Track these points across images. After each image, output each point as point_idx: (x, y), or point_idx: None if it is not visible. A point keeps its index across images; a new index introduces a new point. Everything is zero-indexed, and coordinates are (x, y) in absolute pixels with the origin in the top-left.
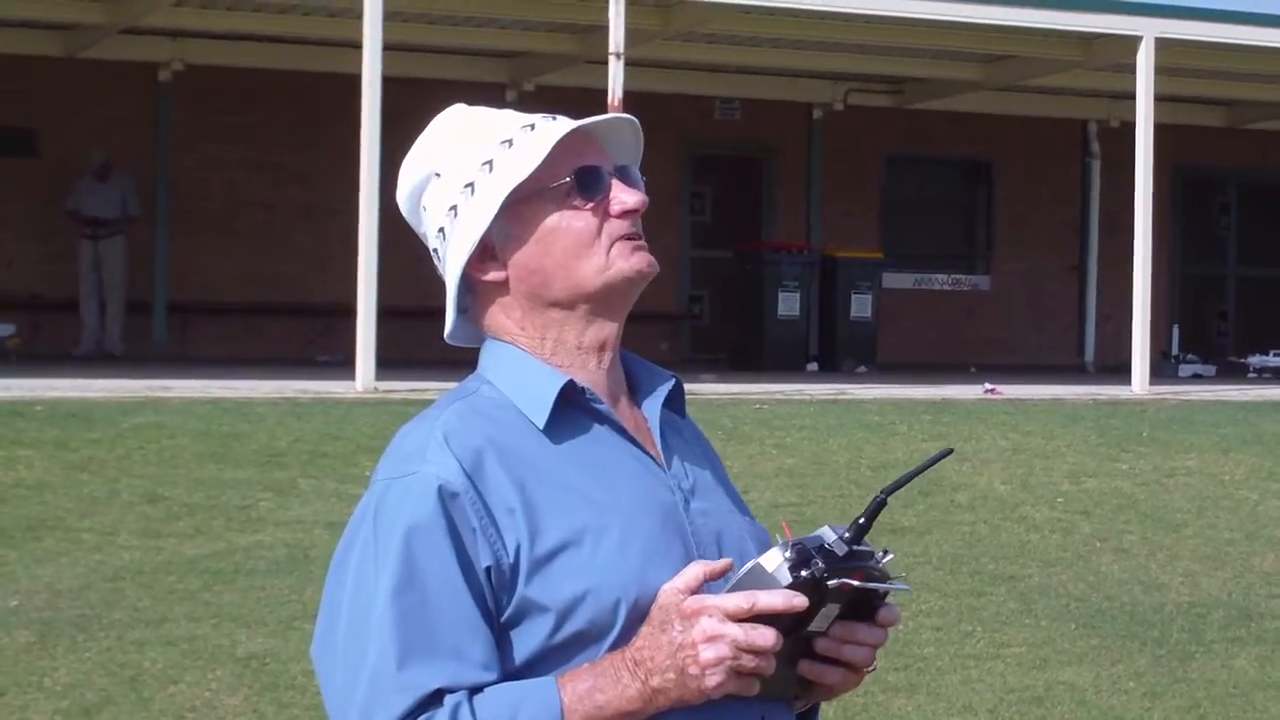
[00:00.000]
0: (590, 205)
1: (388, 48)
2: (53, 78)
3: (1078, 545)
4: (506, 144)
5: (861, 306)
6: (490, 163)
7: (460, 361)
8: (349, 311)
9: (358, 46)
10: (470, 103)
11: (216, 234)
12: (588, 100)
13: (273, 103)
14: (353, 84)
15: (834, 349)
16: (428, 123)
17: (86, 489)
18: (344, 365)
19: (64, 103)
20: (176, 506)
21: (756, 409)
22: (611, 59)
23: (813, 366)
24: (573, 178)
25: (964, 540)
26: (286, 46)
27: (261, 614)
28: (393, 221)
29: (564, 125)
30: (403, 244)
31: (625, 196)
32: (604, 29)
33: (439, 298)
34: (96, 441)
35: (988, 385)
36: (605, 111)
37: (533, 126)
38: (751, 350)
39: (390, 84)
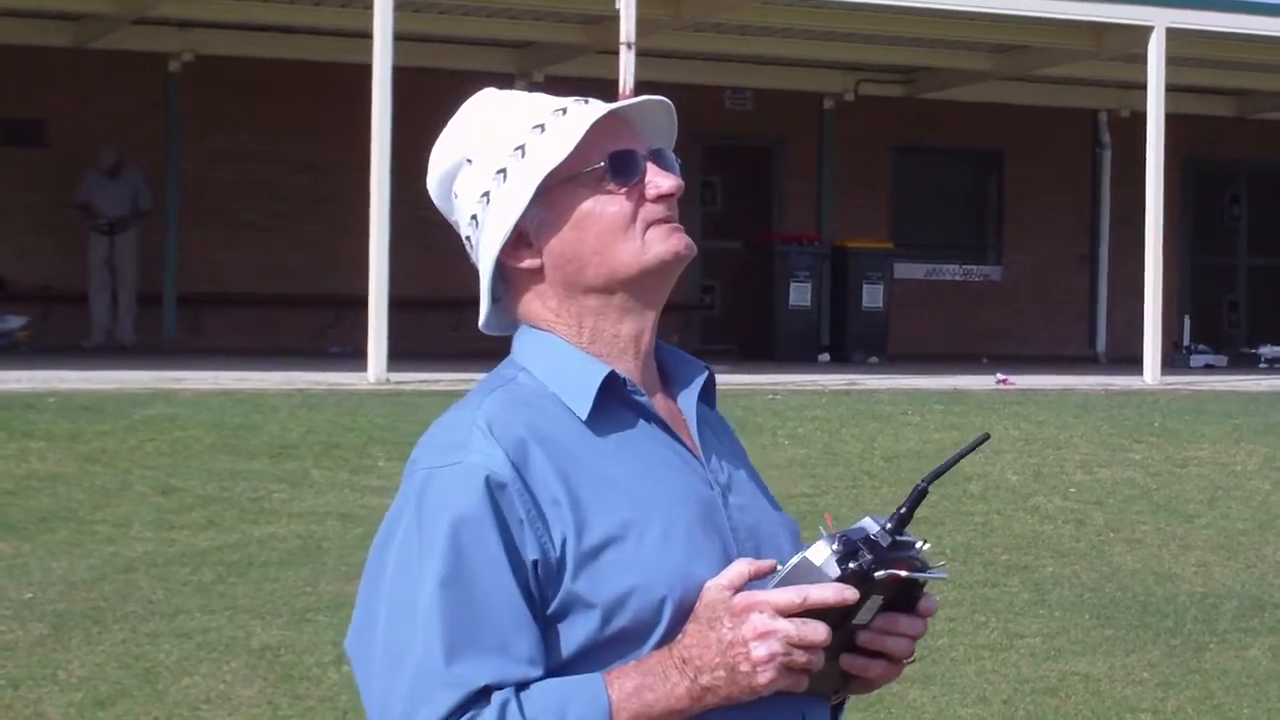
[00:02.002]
0: (625, 190)
1: (398, 38)
2: (63, 68)
3: (1091, 536)
4: (538, 129)
5: (873, 297)
6: (522, 148)
7: (471, 353)
8: (360, 303)
9: (368, 36)
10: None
11: (227, 225)
12: (598, 91)
13: (283, 93)
14: (363, 74)
15: (845, 339)
16: (438, 113)
17: (99, 481)
18: (355, 357)
19: (74, 94)
20: (189, 498)
21: (768, 399)
22: (622, 49)
23: (824, 357)
24: (606, 162)
25: (977, 531)
26: (297, 37)
27: (275, 605)
28: (404, 212)
29: (597, 109)
30: (413, 235)
31: (660, 180)
32: (614, 19)
33: (450, 289)
34: (108, 433)
35: (999, 376)
36: (616, 101)
37: (565, 110)
38: (763, 341)
39: (401, 74)
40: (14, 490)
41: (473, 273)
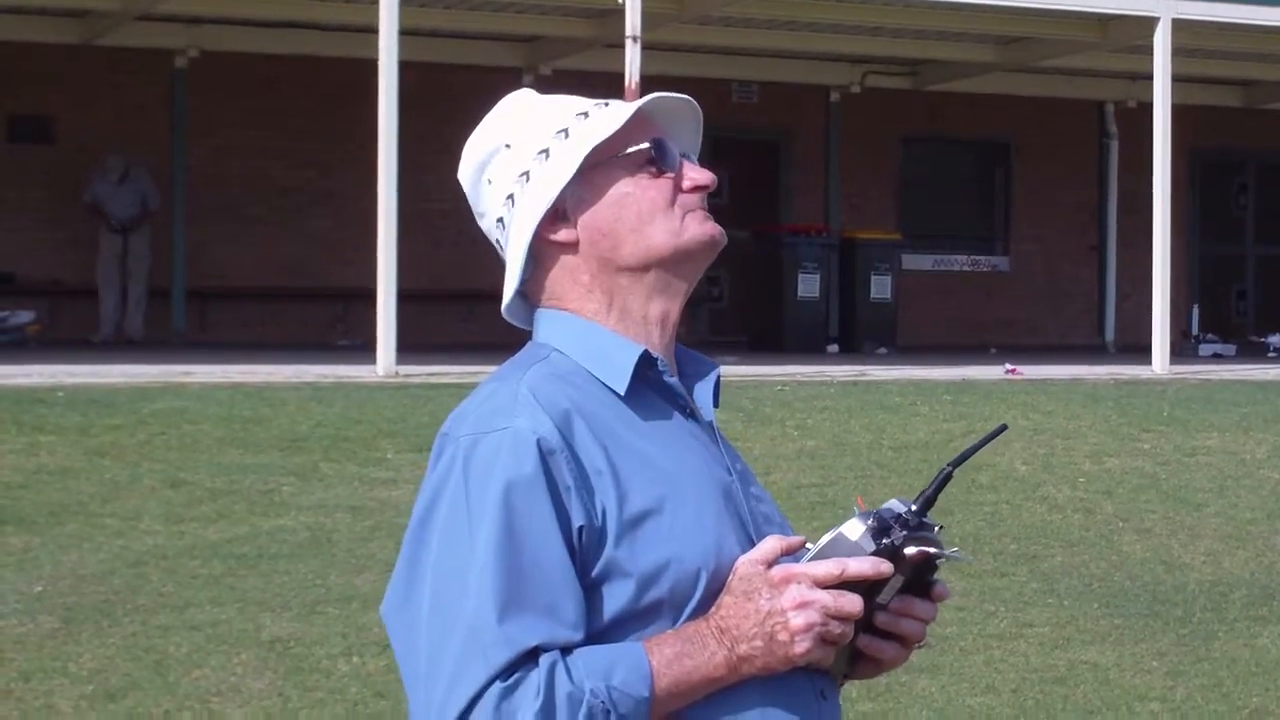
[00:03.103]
0: (663, 175)
1: (404, 32)
2: (69, 65)
3: (1100, 525)
4: (582, 116)
5: (881, 288)
6: (566, 130)
7: (479, 346)
8: (367, 296)
9: (374, 31)
10: (488, 87)
11: (234, 220)
12: (605, 84)
13: (289, 88)
14: (369, 69)
15: (854, 330)
16: (444, 107)
17: (108, 474)
18: (363, 350)
19: (81, 90)
20: (199, 491)
21: (777, 391)
22: (628, 42)
23: (833, 348)
24: (651, 144)
25: (986, 520)
26: (302, 32)
27: (285, 598)
28: (411, 205)
29: (642, 99)
30: (421, 228)
31: (695, 174)
32: (620, 12)
33: (458, 281)
34: (118, 427)
35: (1008, 366)
36: (622, 97)
37: (607, 104)
38: (771, 332)
39: (407, 69)
40: (24, 484)
41: (485, 264)
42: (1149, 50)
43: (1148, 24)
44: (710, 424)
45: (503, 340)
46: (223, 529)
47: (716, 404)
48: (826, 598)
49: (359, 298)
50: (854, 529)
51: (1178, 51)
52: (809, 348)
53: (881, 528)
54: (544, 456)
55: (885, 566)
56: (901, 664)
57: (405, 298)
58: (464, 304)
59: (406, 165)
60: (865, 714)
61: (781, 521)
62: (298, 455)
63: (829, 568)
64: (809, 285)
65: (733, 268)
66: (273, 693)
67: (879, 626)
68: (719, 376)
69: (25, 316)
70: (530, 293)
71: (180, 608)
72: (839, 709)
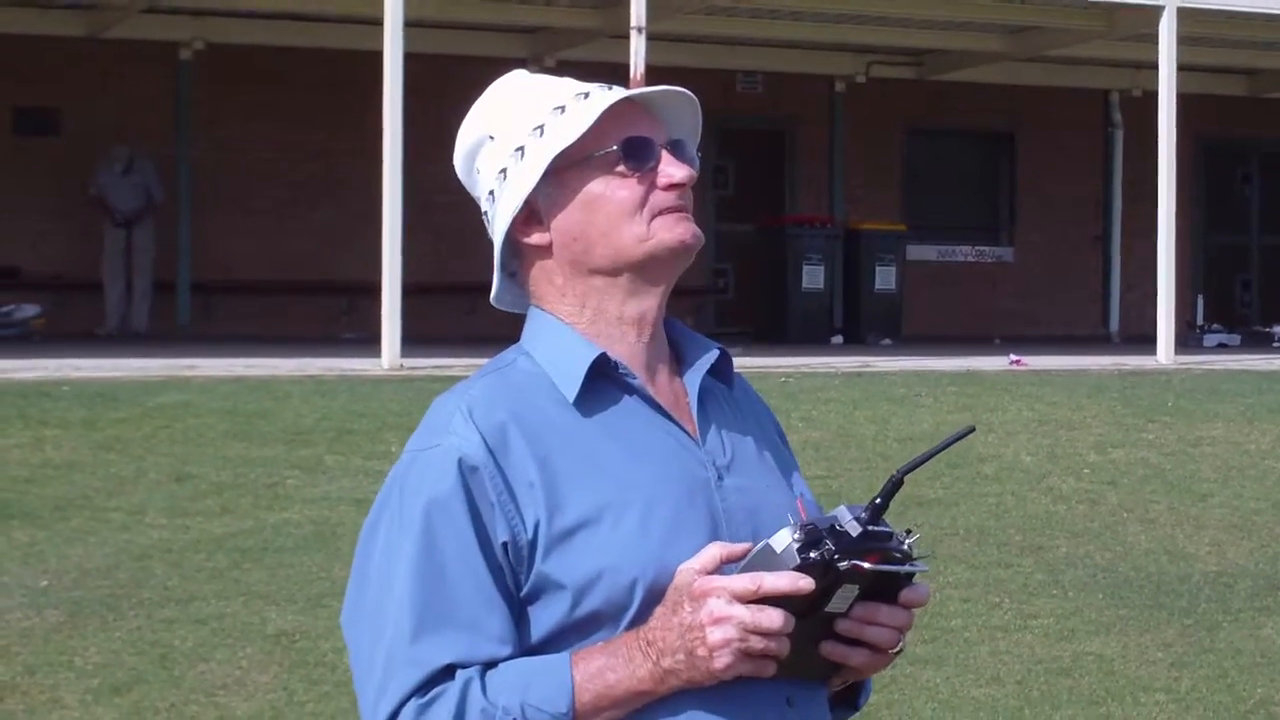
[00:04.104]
0: (636, 175)
1: (409, 24)
2: (75, 57)
3: (1104, 516)
4: (559, 110)
5: (885, 279)
6: (541, 128)
7: (484, 338)
8: (372, 289)
9: (379, 23)
10: (493, 79)
11: (239, 212)
12: (610, 75)
13: (294, 80)
14: (374, 61)
15: (858, 322)
16: (450, 98)
17: (114, 468)
18: (368, 343)
19: (86, 82)
20: (204, 485)
21: (782, 382)
22: (633, 33)
23: (837, 339)
24: (619, 147)
25: (991, 512)
26: (308, 24)
27: (290, 591)
28: (416, 198)
29: (616, 95)
30: (426, 221)
31: (672, 170)
32: (625, 3)
33: (463, 274)
34: (123, 421)
35: (1013, 356)
36: (627, 86)
37: (587, 95)
38: (776, 324)
39: (412, 60)
40: (29, 478)
41: (489, 256)
42: (1154, 39)
43: (1153, 13)
44: (693, 413)
45: (506, 333)
46: (227, 522)
47: (729, 384)
48: (744, 613)
49: (364, 291)
50: (781, 540)
51: (1183, 40)
52: (813, 339)
53: (811, 540)
54: (464, 474)
55: (805, 582)
56: (883, 668)
57: (410, 291)
58: (468, 297)
59: (411, 158)
60: (870, 705)
61: (779, 510)
62: (302, 448)
63: (745, 583)
64: (813, 276)
65: (737, 259)
66: (278, 686)
67: (842, 634)
68: (718, 359)
69: (30, 310)
70: (521, 284)
71: (185, 601)
72: (818, 714)
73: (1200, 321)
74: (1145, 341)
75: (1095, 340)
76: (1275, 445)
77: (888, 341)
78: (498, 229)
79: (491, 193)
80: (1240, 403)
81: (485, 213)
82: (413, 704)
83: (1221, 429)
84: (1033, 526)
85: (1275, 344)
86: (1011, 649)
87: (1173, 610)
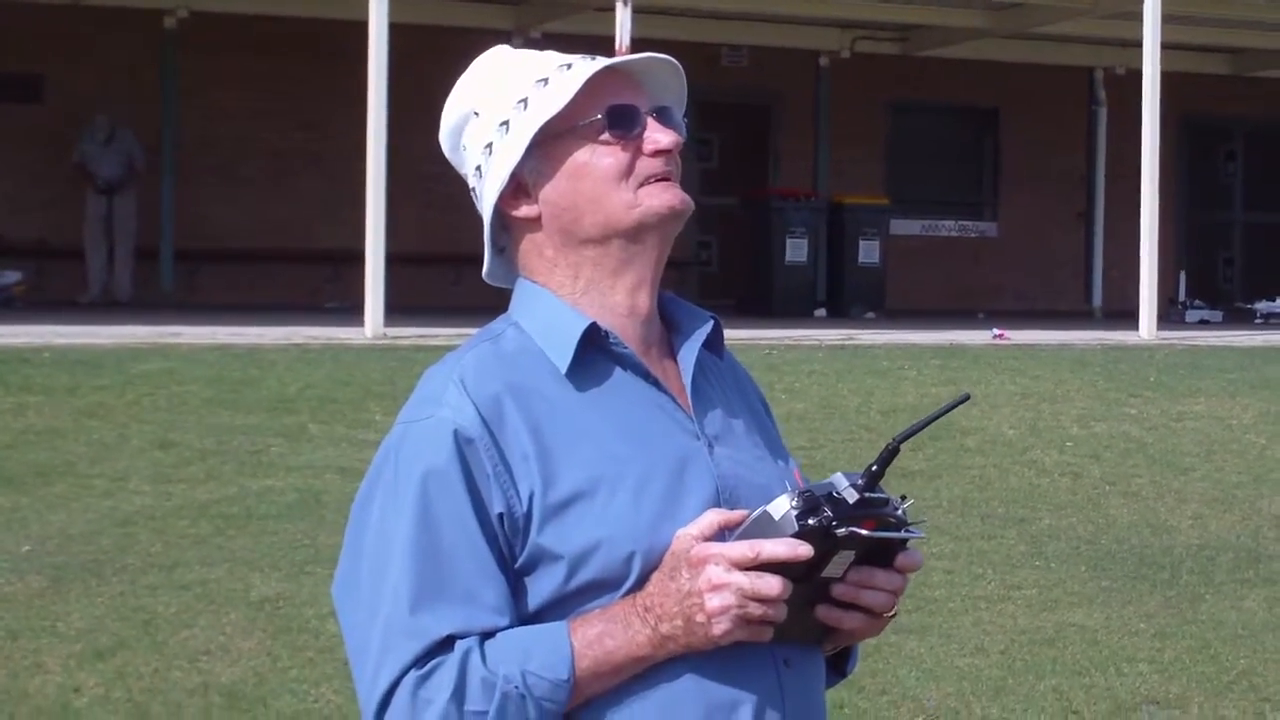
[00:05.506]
0: (622, 142)
1: None
2: (59, 24)
3: (1087, 489)
4: (542, 83)
5: (869, 253)
6: (525, 100)
7: (467, 308)
8: (357, 258)
9: None
10: (479, 49)
11: (224, 181)
12: (595, 47)
13: (279, 49)
14: (359, 30)
15: (842, 295)
16: (435, 69)
17: (96, 435)
18: (352, 312)
19: (70, 49)
20: (187, 452)
21: (766, 354)
22: (619, 5)
23: (821, 312)
24: (604, 115)
25: (974, 484)
26: None
27: (274, 558)
28: (401, 168)
29: (599, 63)
30: (411, 190)
31: (659, 136)
32: None
33: (448, 244)
34: (106, 388)
35: (996, 330)
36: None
37: (569, 66)
38: (760, 297)
39: (397, 30)
40: (11, 444)
41: (474, 227)
42: (1138, 17)
43: None
44: (686, 385)
45: (491, 303)
46: (211, 489)
47: (720, 355)
48: (743, 579)
49: (349, 260)
50: (779, 507)
51: (1167, 18)
52: (797, 312)
53: (809, 507)
54: (460, 446)
55: (803, 549)
56: (878, 633)
57: (394, 260)
58: (453, 266)
59: (396, 127)
60: (854, 674)
61: (767, 480)
62: (286, 416)
63: (743, 550)
64: (797, 250)
65: (721, 232)
66: (261, 652)
67: (837, 598)
68: (712, 330)
69: (12, 277)
70: (510, 259)
71: (169, 567)
72: (814, 675)
73: (1183, 298)
74: (1128, 317)
75: (1078, 315)
76: (1256, 420)
77: (871, 315)
78: (486, 204)
79: (478, 168)
80: (1222, 378)
81: (473, 189)
82: (412, 675)
83: (1203, 404)
84: (1015, 499)
85: (1257, 320)
86: (995, 619)
87: (1155, 582)
